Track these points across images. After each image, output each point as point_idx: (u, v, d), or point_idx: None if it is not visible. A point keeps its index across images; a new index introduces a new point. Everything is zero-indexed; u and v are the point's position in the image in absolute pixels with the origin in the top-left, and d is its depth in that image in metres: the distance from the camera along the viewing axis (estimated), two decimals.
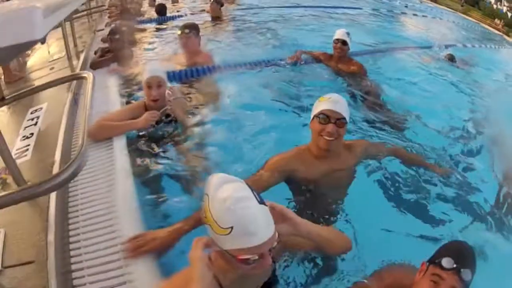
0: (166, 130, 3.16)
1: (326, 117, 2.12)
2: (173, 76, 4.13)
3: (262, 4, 10.26)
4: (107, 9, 8.05)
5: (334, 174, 2.32)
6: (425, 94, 4.99)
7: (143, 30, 7.07)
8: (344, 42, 4.72)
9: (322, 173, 2.29)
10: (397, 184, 2.81)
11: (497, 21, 25.95)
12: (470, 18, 25.74)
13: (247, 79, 4.59)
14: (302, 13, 9.50)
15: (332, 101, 2.16)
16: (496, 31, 24.25)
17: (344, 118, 2.15)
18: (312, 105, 2.35)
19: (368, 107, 4.21)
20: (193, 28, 4.40)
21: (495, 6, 28.25)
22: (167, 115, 3.19)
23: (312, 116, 2.23)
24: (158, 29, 7.35)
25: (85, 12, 6.98)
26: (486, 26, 24.61)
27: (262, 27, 7.52)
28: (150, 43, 6.23)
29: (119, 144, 2.80)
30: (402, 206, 2.66)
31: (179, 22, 7.06)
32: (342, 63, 4.87)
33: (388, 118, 3.97)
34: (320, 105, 2.19)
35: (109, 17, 7.81)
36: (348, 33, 4.75)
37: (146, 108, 3.10)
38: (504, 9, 29.07)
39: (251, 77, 4.67)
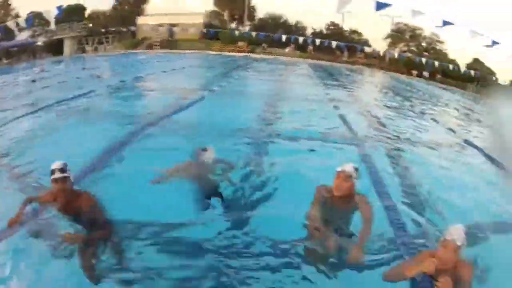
0: None
1: None
2: None
3: None
4: None
5: None
6: None
7: None
8: None
9: None
10: None
11: (240, 43, 29.40)
12: (212, 52, 28.16)
13: None
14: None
15: None
16: (240, 54, 27.46)
17: None
18: None
19: None
20: None
21: (237, 32, 31.58)
22: None
23: None
24: None
25: None
26: (228, 53, 27.72)
27: None
28: None
29: None
30: None
31: None
32: None
33: None
34: None
35: None
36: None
37: None
38: (247, 28, 33.34)
39: None
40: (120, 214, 3.59)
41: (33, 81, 14.20)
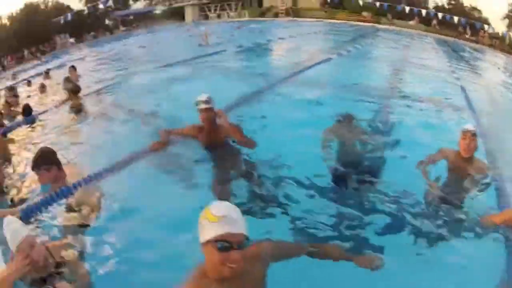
0: None
1: (227, 243, 1.63)
2: None
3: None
4: None
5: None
6: None
7: (11, 141, 5.77)
8: None
9: None
10: None
11: (365, 13, 28.95)
12: (335, 21, 28.25)
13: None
14: None
15: (229, 221, 1.65)
16: (367, 23, 27.13)
17: (247, 237, 1.69)
18: None
19: None
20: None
21: (361, 1, 30.97)
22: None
23: (204, 241, 1.69)
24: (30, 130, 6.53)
25: None
26: (354, 22, 27.53)
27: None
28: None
29: None
30: None
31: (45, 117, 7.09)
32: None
33: None
34: (213, 228, 1.65)
35: None
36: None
37: None
38: None
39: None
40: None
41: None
